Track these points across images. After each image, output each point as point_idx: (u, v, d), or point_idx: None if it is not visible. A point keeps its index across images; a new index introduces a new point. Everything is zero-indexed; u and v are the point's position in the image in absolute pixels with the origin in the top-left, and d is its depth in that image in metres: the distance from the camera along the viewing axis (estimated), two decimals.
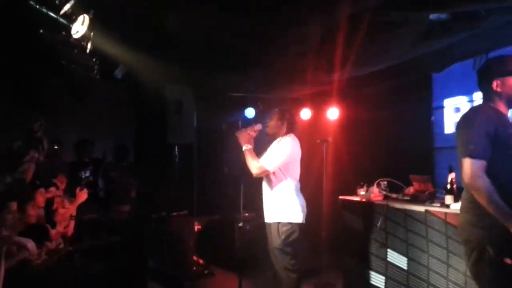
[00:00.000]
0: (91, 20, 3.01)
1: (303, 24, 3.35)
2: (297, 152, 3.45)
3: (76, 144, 5.16)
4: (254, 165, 3.30)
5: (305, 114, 6.52)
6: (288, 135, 3.44)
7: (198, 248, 5.38)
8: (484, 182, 2.19)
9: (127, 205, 5.36)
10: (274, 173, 3.36)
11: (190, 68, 4.68)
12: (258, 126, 3.50)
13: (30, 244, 2.84)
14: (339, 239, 4.57)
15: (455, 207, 3.21)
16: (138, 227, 5.11)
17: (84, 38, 3.18)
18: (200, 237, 5.50)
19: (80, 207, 4.43)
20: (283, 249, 3.33)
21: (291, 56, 4.22)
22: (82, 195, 4.17)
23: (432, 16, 3.44)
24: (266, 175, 3.42)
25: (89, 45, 3.32)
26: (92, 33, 3.22)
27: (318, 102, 6.49)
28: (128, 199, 5.39)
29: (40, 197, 3.69)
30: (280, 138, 3.42)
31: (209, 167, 5.89)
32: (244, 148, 3.36)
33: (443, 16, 3.44)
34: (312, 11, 3.12)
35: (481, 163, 2.21)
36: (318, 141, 4.88)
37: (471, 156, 2.22)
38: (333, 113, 6.30)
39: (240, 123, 5.70)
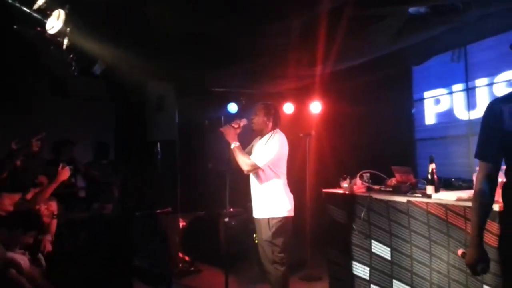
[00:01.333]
0: (67, 15, 2.93)
1: (284, 18, 3.33)
2: (286, 148, 3.48)
3: (55, 144, 5.04)
4: (246, 162, 3.30)
5: (288, 108, 6.53)
6: (275, 130, 3.44)
7: (183, 245, 5.35)
8: (480, 189, 2.02)
9: (110, 204, 5.29)
10: (263, 169, 3.37)
11: (171, 64, 4.61)
12: (244, 121, 3.49)
13: (24, 262, 2.79)
14: (323, 231, 4.60)
15: (436, 197, 3.26)
16: (122, 226, 5.05)
17: (60, 33, 3.09)
18: (185, 234, 5.48)
19: (62, 208, 4.36)
20: (272, 242, 3.36)
21: (273, 51, 4.20)
22: (64, 173, 4.04)
23: (411, 10, 3.48)
24: (255, 171, 3.42)
25: (65, 41, 3.23)
26: (68, 29, 3.14)
27: (301, 97, 6.51)
28: (111, 198, 5.32)
29: (7, 200, 3.60)
30: (269, 134, 3.42)
31: (193, 163, 5.85)
32: (232, 145, 3.35)
33: (422, 9, 3.48)
34: (293, 5, 3.11)
35: (485, 166, 2.01)
36: (301, 135, 4.89)
37: (476, 157, 2.04)
38: (315, 107, 6.33)
39: (223, 118, 5.71)
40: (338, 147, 6.02)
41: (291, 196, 3.51)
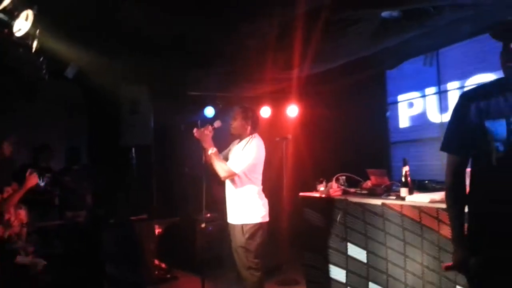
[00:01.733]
0: (35, 16, 2.84)
1: (259, 20, 3.33)
2: (263, 153, 3.47)
3: (34, 149, 4.91)
4: (222, 168, 3.28)
5: (265, 112, 6.53)
6: (253, 135, 3.43)
7: (159, 252, 5.25)
8: (451, 182, 1.92)
9: (83, 211, 5.15)
10: (239, 175, 3.35)
11: (145, 67, 4.54)
12: (217, 123, 3.45)
13: None
14: (300, 235, 4.60)
15: (410, 199, 3.30)
16: (95, 234, 4.93)
17: (29, 36, 3.00)
18: (161, 241, 5.37)
19: (33, 216, 4.23)
20: (247, 248, 3.34)
21: (249, 53, 4.19)
22: (32, 179, 3.91)
23: (384, 14, 3.52)
24: None
25: (34, 44, 3.13)
26: (37, 31, 3.05)
27: (278, 100, 6.52)
28: (83, 205, 5.19)
29: None
30: (247, 139, 3.41)
31: (169, 168, 5.77)
32: (209, 151, 3.31)
33: (394, 13, 3.53)
34: (269, 7, 3.10)
35: (452, 159, 1.91)
36: (278, 139, 4.89)
37: (441, 149, 1.94)
38: (292, 110, 6.35)
39: (199, 122, 5.65)
40: (315, 150, 6.05)
41: (265, 201, 3.49)
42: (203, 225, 4.01)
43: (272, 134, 5.85)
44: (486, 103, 1.79)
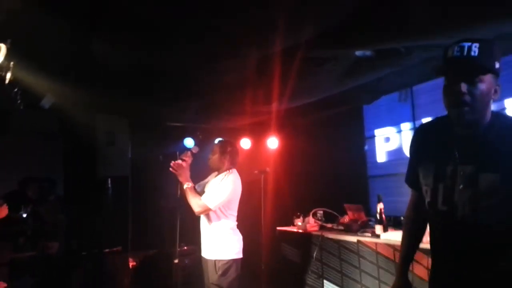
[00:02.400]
0: (8, 49, 2.83)
1: (237, 56, 3.38)
2: (239, 189, 3.45)
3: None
4: (197, 203, 3.27)
5: (245, 143, 6.54)
6: (230, 170, 3.43)
7: (133, 286, 5.10)
8: (406, 216, 1.89)
9: (56, 242, 5.01)
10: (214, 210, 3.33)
11: (123, 98, 4.53)
12: (195, 148, 3.48)
13: None
14: (278, 270, 4.53)
15: (385, 237, 3.30)
16: (68, 266, 4.78)
17: (2, 68, 2.98)
18: (135, 274, 5.23)
19: (5, 249, 4.11)
20: (219, 285, 3.27)
21: (228, 87, 4.23)
22: (3, 210, 3.78)
23: (358, 53, 3.62)
24: None
25: (8, 76, 3.11)
26: (11, 63, 3.03)
27: (258, 132, 6.55)
28: (56, 236, 5.04)
29: None
30: (224, 174, 3.40)
31: (145, 200, 5.67)
32: (185, 186, 3.31)
33: (367, 53, 3.62)
34: (246, 44, 3.16)
35: (412, 193, 1.85)
36: (256, 172, 4.87)
37: (405, 180, 1.88)
38: (272, 142, 6.38)
39: (178, 154, 5.61)
40: (295, 183, 6.04)
41: (240, 237, 3.46)
42: (176, 261, 3.92)
43: (252, 166, 5.83)
44: (424, 143, 1.71)
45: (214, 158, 3.46)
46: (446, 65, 1.55)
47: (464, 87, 1.44)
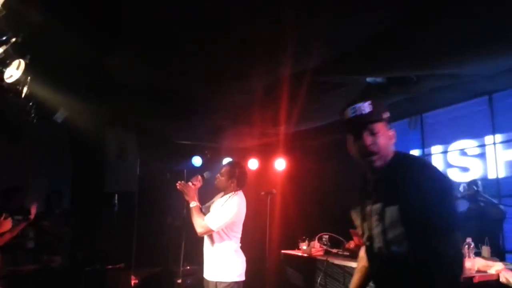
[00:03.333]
0: (27, 65, 2.91)
1: (246, 78, 3.43)
2: (243, 212, 3.42)
3: (6, 191, 4.82)
4: (200, 223, 3.24)
5: (253, 164, 6.55)
6: (236, 192, 3.39)
7: None
8: (359, 255, 2.00)
9: (59, 256, 5.00)
10: (217, 231, 3.30)
11: (135, 114, 4.59)
12: (207, 174, 3.47)
13: None
14: None
15: None
16: (70, 281, 4.76)
17: (19, 82, 3.05)
18: None
19: (8, 260, 4.10)
20: None
21: (237, 108, 4.28)
22: (6, 224, 3.79)
23: (369, 79, 3.65)
24: None
25: (24, 90, 3.18)
26: (28, 78, 3.11)
27: (266, 153, 6.56)
28: (61, 250, 5.04)
29: None
30: (229, 195, 3.37)
31: (151, 217, 5.67)
32: (191, 205, 3.29)
33: (379, 79, 3.66)
34: (255, 68, 3.21)
35: None
36: (263, 193, 4.85)
37: None
38: (280, 164, 6.39)
39: (185, 172, 5.62)
40: (303, 206, 6.00)
41: (243, 259, 3.41)
42: (179, 281, 3.88)
43: (259, 187, 5.81)
44: (359, 192, 1.84)
45: (222, 179, 3.42)
46: (346, 126, 1.75)
47: (368, 139, 1.64)
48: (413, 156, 1.85)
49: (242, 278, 3.34)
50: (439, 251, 1.50)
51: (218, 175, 3.50)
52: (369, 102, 1.68)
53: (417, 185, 1.54)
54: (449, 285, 1.51)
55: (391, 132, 1.70)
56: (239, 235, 3.41)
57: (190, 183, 3.38)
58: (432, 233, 1.52)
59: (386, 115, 1.70)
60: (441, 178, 1.61)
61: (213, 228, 3.21)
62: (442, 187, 1.56)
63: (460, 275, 1.52)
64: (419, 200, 1.51)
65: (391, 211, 1.60)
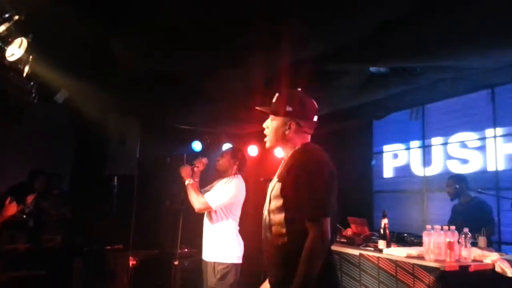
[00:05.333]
0: (29, 43, 2.88)
1: (246, 65, 3.42)
2: (242, 194, 3.49)
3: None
4: (198, 200, 3.30)
5: (252, 150, 6.56)
6: (236, 175, 3.47)
7: (132, 285, 5.11)
8: None
9: (58, 236, 5.04)
10: (216, 211, 3.36)
11: (136, 98, 4.58)
12: (205, 160, 3.55)
13: None
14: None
15: (388, 252, 3.29)
16: (68, 261, 4.80)
17: (21, 61, 3.03)
18: (135, 273, 5.24)
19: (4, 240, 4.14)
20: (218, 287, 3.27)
21: (236, 94, 4.27)
22: (11, 208, 3.82)
23: (372, 69, 3.64)
24: (208, 213, 3.41)
25: (26, 69, 3.17)
26: (30, 57, 3.09)
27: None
28: (59, 230, 5.08)
29: None
30: (229, 178, 3.44)
31: (150, 200, 5.70)
32: (186, 182, 3.36)
33: (382, 69, 3.65)
34: (255, 56, 3.20)
35: None
36: (262, 179, 4.88)
37: None
38: (280, 150, 6.39)
39: (185, 156, 5.64)
40: None
41: (241, 242, 3.47)
42: (176, 262, 3.93)
43: (259, 173, 5.84)
44: None
45: (224, 161, 3.50)
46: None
47: (265, 124, 2.07)
48: (304, 148, 1.98)
49: (240, 260, 3.41)
50: (302, 230, 1.77)
51: (219, 157, 3.53)
52: (276, 95, 2.02)
53: (292, 168, 1.86)
54: (303, 263, 1.71)
55: (290, 124, 1.97)
56: (237, 218, 3.47)
57: (194, 165, 3.44)
58: (300, 211, 1.79)
59: (288, 108, 1.97)
60: (312, 164, 1.87)
61: (212, 206, 3.27)
62: (309, 172, 1.82)
63: (314, 257, 1.72)
64: (292, 180, 1.82)
65: (276, 186, 1.92)
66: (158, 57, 3.45)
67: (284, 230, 1.84)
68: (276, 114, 1.97)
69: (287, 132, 1.95)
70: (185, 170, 3.39)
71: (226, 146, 6.47)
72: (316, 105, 2.05)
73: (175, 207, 4.89)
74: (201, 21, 2.80)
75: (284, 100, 1.97)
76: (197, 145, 6.20)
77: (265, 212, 1.97)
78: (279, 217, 1.86)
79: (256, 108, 2.10)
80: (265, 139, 2.03)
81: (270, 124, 2.00)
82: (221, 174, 3.56)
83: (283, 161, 2.02)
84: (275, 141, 2.01)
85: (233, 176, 3.46)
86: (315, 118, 2.04)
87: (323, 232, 1.76)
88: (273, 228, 1.88)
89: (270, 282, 1.97)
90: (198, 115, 5.33)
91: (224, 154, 3.53)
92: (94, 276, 4.73)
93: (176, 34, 3.03)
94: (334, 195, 1.92)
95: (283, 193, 1.86)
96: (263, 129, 2.12)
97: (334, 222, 1.90)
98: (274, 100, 1.99)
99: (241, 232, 3.53)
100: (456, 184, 4.11)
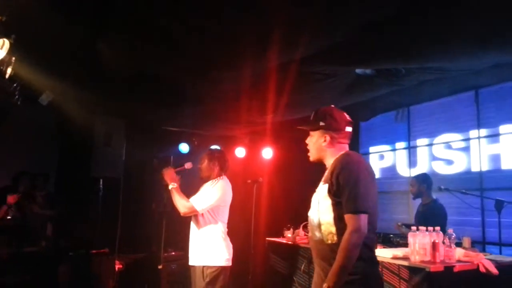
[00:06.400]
0: (11, 44, 2.83)
1: (234, 67, 3.41)
2: (229, 196, 3.43)
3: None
4: (182, 204, 3.23)
5: (240, 152, 6.55)
6: (221, 177, 3.41)
7: None
8: None
9: (42, 240, 4.96)
10: (203, 215, 3.30)
11: (122, 100, 4.53)
12: (188, 165, 3.46)
13: None
14: (265, 281, 4.52)
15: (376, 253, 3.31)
16: (53, 265, 4.72)
17: (3, 63, 2.99)
18: (121, 277, 5.18)
19: None
20: None
21: (224, 96, 4.26)
22: None
23: (358, 71, 3.67)
24: (195, 216, 3.35)
25: (8, 70, 3.12)
26: (13, 58, 3.04)
27: (253, 141, 6.57)
28: (44, 234, 5.00)
29: None
30: (214, 180, 3.38)
31: (136, 203, 5.64)
32: (170, 186, 3.28)
33: (368, 71, 3.67)
34: (242, 58, 3.19)
35: None
36: (249, 181, 4.87)
37: None
38: (267, 152, 6.40)
39: (172, 158, 5.60)
40: (289, 194, 6.05)
41: (230, 245, 3.42)
42: (160, 266, 3.90)
43: (246, 175, 5.84)
44: None
45: (204, 165, 3.44)
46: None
47: (307, 140, 2.32)
48: (345, 153, 2.18)
49: (229, 263, 3.35)
50: (342, 226, 1.94)
51: (199, 164, 3.49)
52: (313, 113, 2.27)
53: (335, 170, 2.03)
54: (339, 253, 1.89)
55: (326, 137, 2.19)
56: (225, 220, 3.41)
57: (182, 167, 3.40)
58: (343, 206, 1.97)
59: (321, 123, 2.19)
60: (353, 165, 2.05)
61: (197, 209, 3.21)
62: (350, 171, 2.00)
63: (350, 248, 1.89)
64: (336, 180, 2.00)
65: (323, 189, 2.10)
66: (145, 59, 3.41)
67: (334, 229, 2.01)
68: (312, 130, 2.22)
69: (323, 144, 2.18)
70: (168, 174, 3.31)
71: (213, 148, 6.46)
72: (348, 117, 2.25)
73: (162, 209, 4.86)
74: (189, 22, 2.78)
75: (317, 117, 2.21)
76: (184, 147, 6.16)
77: (314, 213, 2.14)
78: (329, 216, 2.03)
79: (297, 127, 2.36)
80: (308, 154, 2.29)
81: (310, 140, 2.26)
82: (206, 179, 3.49)
83: (327, 169, 2.21)
84: (316, 154, 2.24)
85: (218, 178, 3.40)
86: (349, 129, 2.23)
87: (360, 226, 1.91)
88: (323, 228, 2.05)
89: (320, 278, 2.08)
90: (186, 117, 5.30)
91: (201, 160, 3.46)
92: (79, 280, 4.66)
93: (163, 35, 3.00)
94: (373, 197, 2.07)
95: (329, 193, 2.03)
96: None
97: (373, 222, 2.03)
98: (311, 118, 2.23)
99: (229, 234, 3.50)
100: (418, 184, 4.12)
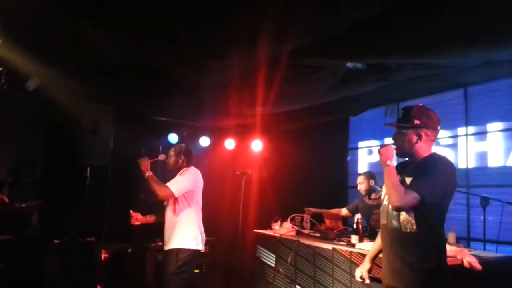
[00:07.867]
0: None
1: (223, 57, 3.39)
2: (201, 181, 3.61)
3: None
4: (160, 188, 3.39)
5: (229, 144, 6.55)
6: (188, 167, 3.59)
7: (104, 277, 5.02)
8: None
9: (28, 228, 4.90)
10: (177, 200, 3.46)
11: (110, 88, 4.47)
12: (162, 157, 3.69)
13: None
14: (251, 272, 4.54)
15: (360, 246, 3.34)
16: (38, 254, 4.67)
17: None
18: (108, 266, 5.15)
19: None
20: (178, 274, 3.35)
21: (214, 87, 4.23)
22: None
23: (349, 65, 3.66)
24: (172, 204, 3.49)
25: None
26: None
27: (243, 133, 6.56)
28: (29, 222, 4.93)
29: None
30: (183, 169, 3.57)
31: (124, 192, 5.59)
32: (146, 174, 3.45)
33: (358, 65, 3.67)
34: (232, 48, 3.17)
35: None
36: (238, 172, 4.87)
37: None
38: (256, 145, 6.40)
39: (160, 148, 5.56)
40: (278, 187, 6.07)
41: (203, 230, 3.57)
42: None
43: (235, 166, 5.84)
44: None
45: (171, 160, 3.63)
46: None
47: (393, 137, 2.34)
48: (436, 153, 2.33)
49: (202, 248, 3.53)
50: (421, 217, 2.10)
51: (167, 159, 3.69)
52: (402, 111, 2.31)
53: (425, 164, 2.17)
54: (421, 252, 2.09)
55: (420, 134, 2.22)
56: (199, 205, 3.60)
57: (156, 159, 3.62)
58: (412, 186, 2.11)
59: (416, 121, 2.22)
60: (442, 162, 2.20)
61: (174, 191, 3.37)
62: (439, 167, 2.14)
63: (392, 191, 2.12)
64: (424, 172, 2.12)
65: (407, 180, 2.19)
66: (135, 47, 3.36)
67: (412, 218, 2.13)
68: (406, 128, 2.24)
69: (417, 142, 2.24)
70: (144, 163, 3.48)
71: (203, 139, 6.44)
72: (438, 116, 2.30)
73: (149, 199, 4.84)
74: (180, 11, 2.75)
75: (411, 114, 2.25)
76: (173, 137, 6.12)
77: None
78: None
79: (385, 124, 2.43)
80: (395, 148, 2.30)
81: (399, 137, 2.28)
82: (176, 172, 3.64)
83: (411, 164, 2.30)
84: (407, 150, 2.28)
85: (186, 168, 3.58)
86: (439, 127, 2.31)
87: (407, 203, 2.06)
88: (402, 217, 2.16)
89: (396, 263, 2.21)
90: (176, 107, 5.26)
91: (169, 155, 3.67)
92: (65, 269, 4.62)
93: (154, 24, 2.96)
94: (448, 198, 2.19)
95: (411, 186, 2.12)
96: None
97: (443, 221, 2.17)
98: (400, 116, 2.28)
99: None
100: (367, 180, 4.24)
